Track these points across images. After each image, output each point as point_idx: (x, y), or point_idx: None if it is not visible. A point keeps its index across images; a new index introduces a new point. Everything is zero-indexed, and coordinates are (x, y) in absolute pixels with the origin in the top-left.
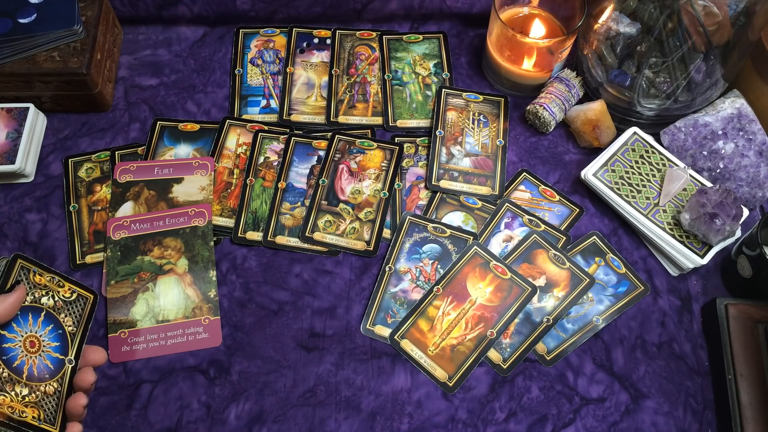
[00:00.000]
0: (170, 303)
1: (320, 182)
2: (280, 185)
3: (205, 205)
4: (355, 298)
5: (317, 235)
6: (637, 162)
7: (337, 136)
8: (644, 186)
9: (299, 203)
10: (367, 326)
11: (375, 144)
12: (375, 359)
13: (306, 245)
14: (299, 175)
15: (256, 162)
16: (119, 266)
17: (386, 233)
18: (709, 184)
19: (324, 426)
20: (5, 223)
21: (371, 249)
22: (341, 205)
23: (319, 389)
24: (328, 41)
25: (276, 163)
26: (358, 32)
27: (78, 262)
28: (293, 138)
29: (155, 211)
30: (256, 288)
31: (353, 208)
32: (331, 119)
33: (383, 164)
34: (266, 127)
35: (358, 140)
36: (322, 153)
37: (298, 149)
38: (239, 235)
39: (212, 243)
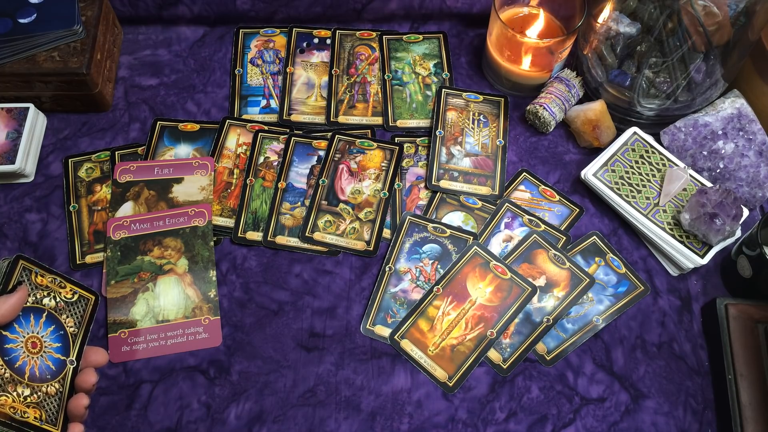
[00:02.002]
0: (170, 303)
1: (320, 182)
2: (280, 185)
3: (205, 205)
4: (355, 298)
5: (317, 235)
6: (637, 162)
7: (337, 136)
8: (644, 186)
9: (299, 203)
10: (367, 326)
11: (375, 144)
12: (375, 359)
13: (306, 245)
14: (299, 175)
15: (256, 162)
16: (119, 266)
17: (386, 233)
18: (709, 184)
19: (324, 426)
20: (5, 223)
21: (371, 249)
22: (341, 205)
23: (319, 389)
24: (328, 41)
25: (276, 163)
26: (358, 32)
27: (78, 262)
28: (293, 138)
29: (155, 211)
30: (256, 288)
31: (353, 208)
32: (331, 119)
33: (383, 164)
34: (266, 127)
35: (358, 140)
36: (322, 153)
37: (298, 149)
38: (239, 235)
39: (212, 243)
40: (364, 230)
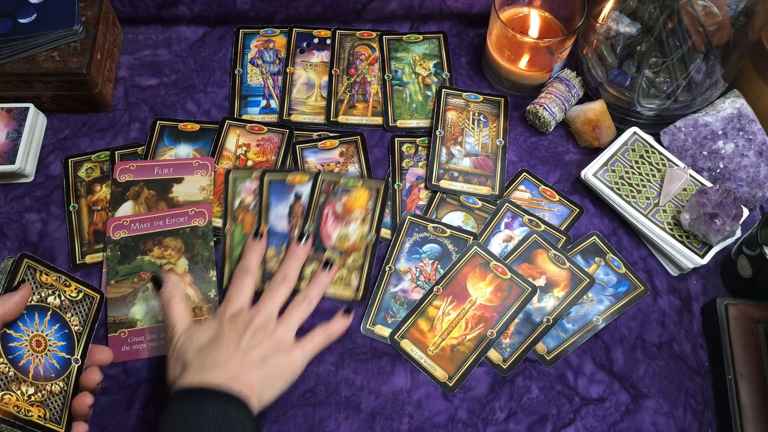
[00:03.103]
0: None
1: (305, 230)
2: (261, 231)
3: (205, 206)
4: None
5: (303, 285)
6: (637, 162)
7: (321, 175)
8: (644, 186)
9: (284, 247)
10: (367, 326)
11: (360, 182)
12: (375, 359)
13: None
14: (279, 217)
15: (232, 207)
16: (119, 266)
17: (386, 233)
18: (709, 184)
19: (324, 426)
20: (5, 223)
21: (359, 297)
22: (328, 252)
23: (319, 389)
24: (328, 41)
25: (253, 205)
26: (358, 32)
27: (78, 262)
28: (266, 175)
29: (155, 210)
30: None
31: (340, 254)
32: (331, 119)
33: (369, 204)
34: (265, 128)
35: (342, 179)
36: (299, 189)
37: (274, 188)
38: (225, 285)
39: (212, 243)
40: (351, 277)
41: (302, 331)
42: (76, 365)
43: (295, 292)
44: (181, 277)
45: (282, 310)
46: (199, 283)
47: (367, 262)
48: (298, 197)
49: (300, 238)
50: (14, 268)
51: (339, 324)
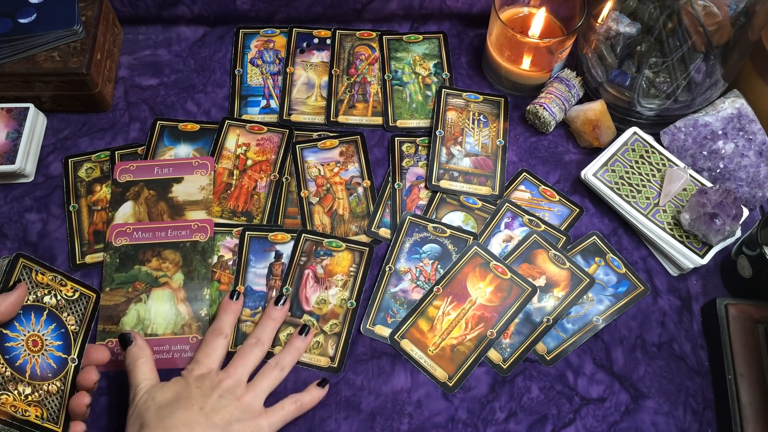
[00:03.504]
0: (160, 317)
1: (284, 291)
2: (238, 289)
3: (208, 221)
4: None
5: (278, 350)
6: (637, 162)
7: (303, 235)
8: (644, 186)
9: (260, 308)
10: (367, 326)
11: (344, 245)
12: (375, 359)
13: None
14: (257, 276)
15: (209, 263)
16: (116, 273)
17: (386, 233)
18: (709, 184)
19: (324, 426)
20: (5, 223)
21: (335, 366)
22: (305, 317)
23: None
24: (328, 41)
25: (231, 263)
26: (358, 32)
27: (78, 262)
28: (247, 232)
29: (159, 221)
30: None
31: (318, 319)
32: (331, 119)
33: (351, 269)
34: (265, 128)
35: (326, 240)
36: (279, 247)
37: (254, 245)
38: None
39: (211, 260)
40: (328, 345)
41: (272, 398)
42: (73, 365)
43: (270, 355)
44: (174, 292)
45: (253, 375)
46: (192, 300)
47: (345, 330)
48: (278, 256)
49: (278, 300)
50: (10, 268)
51: (312, 395)
